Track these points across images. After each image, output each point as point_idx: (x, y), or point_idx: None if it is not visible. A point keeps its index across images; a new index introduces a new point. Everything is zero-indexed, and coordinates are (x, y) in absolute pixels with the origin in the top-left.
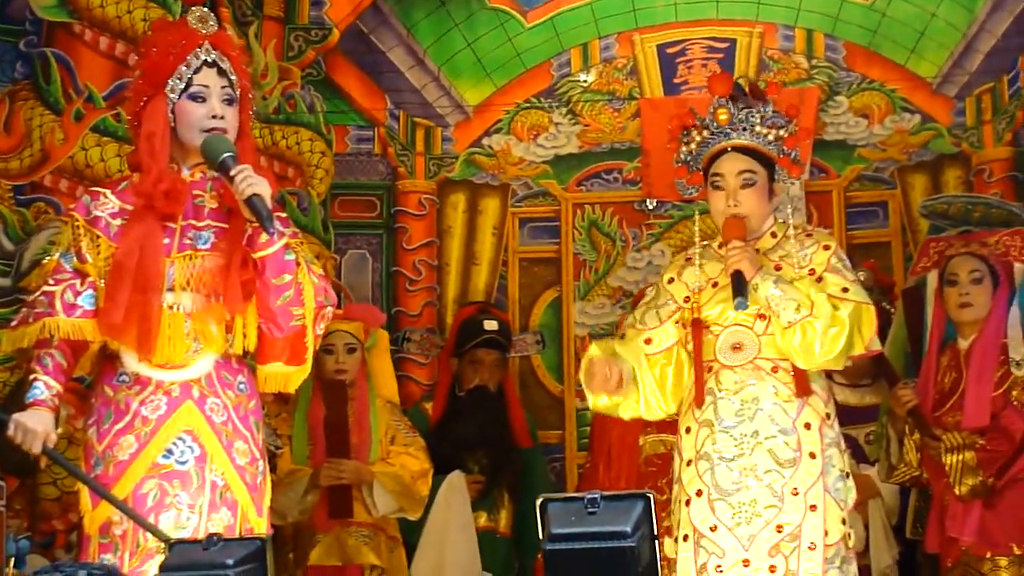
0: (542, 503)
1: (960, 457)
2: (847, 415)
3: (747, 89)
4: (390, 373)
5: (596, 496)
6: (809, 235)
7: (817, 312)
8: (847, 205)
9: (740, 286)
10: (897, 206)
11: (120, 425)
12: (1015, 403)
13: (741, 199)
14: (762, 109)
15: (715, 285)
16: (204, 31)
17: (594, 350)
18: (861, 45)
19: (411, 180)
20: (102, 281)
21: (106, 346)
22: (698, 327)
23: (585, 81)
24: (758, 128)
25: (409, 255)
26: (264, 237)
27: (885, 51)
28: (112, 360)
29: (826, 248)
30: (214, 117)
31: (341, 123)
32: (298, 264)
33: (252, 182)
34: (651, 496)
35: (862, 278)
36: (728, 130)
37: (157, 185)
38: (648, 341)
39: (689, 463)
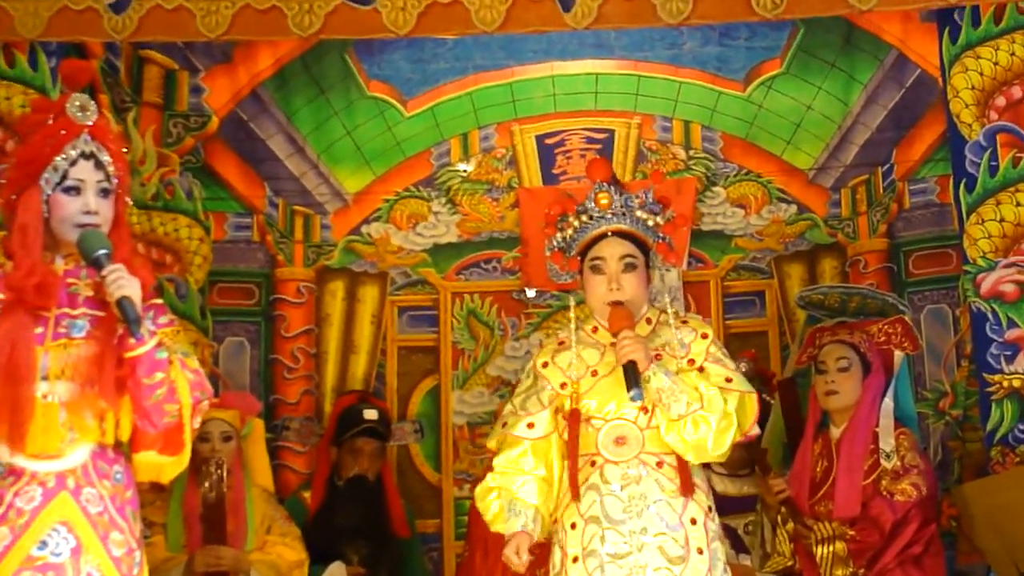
0: None
1: (830, 548)
2: (727, 505)
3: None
4: (265, 462)
5: None
6: (685, 322)
7: (709, 407)
8: (724, 295)
9: (634, 377)
10: (774, 295)
11: None
12: (884, 493)
13: (623, 283)
14: (641, 194)
15: (595, 374)
16: (83, 120)
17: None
18: (738, 136)
19: (289, 268)
20: None
21: None
22: (575, 418)
23: (465, 171)
24: (638, 213)
25: (287, 343)
26: (132, 340)
27: (762, 142)
28: None
29: (704, 337)
30: (88, 212)
31: (220, 210)
32: (170, 362)
33: (122, 284)
34: None
35: (743, 368)
36: (609, 215)
37: (28, 279)
38: (531, 426)
39: (576, 560)
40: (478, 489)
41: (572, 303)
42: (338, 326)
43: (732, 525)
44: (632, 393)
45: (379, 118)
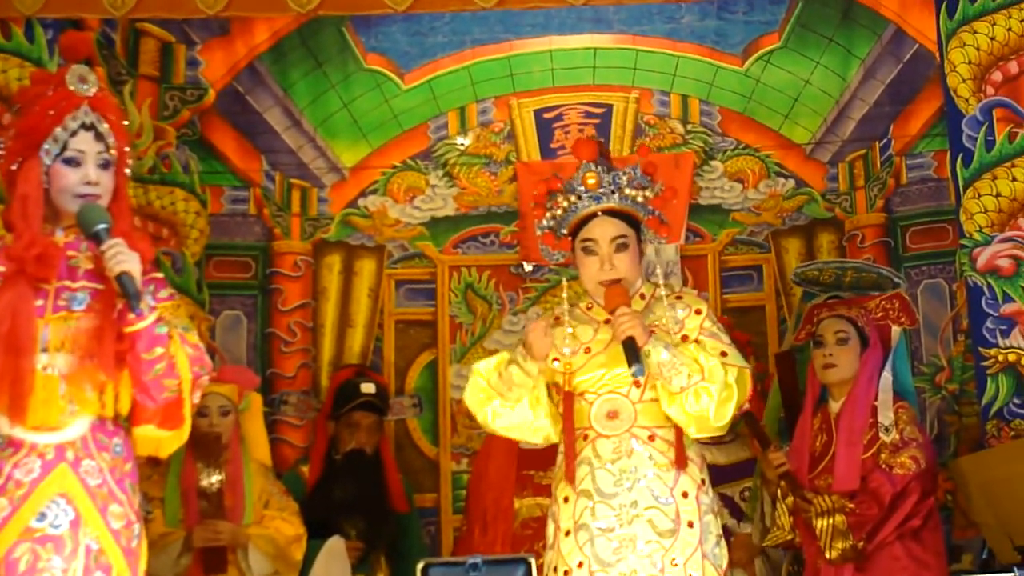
0: (424, 568)
1: (830, 521)
2: (720, 474)
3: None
4: (263, 436)
5: (477, 560)
6: (679, 298)
7: (710, 378)
8: (722, 269)
9: (634, 353)
10: (771, 270)
11: None
12: (883, 466)
13: (616, 263)
14: (629, 170)
15: (588, 351)
16: (83, 92)
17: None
18: (736, 111)
19: (286, 241)
20: None
21: None
22: (570, 399)
23: (462, 144)
24: (626, 190)
25: (284, 317)
26: (132, 315)
27: (759, 117)
28: None
29: (698, 312)
30: (88, 183)
31: (216, 183)
32: (170, 337)
33: (122, 259)
34: (531, 560)
35: None
36: (597, 194)
37: (28, 250)
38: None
39: (568, 533)
40: (467, 393)
41: (564, 281)
42: (335, 300)
43: (728, 494)
44: (633, 369)
45: (376, 91)
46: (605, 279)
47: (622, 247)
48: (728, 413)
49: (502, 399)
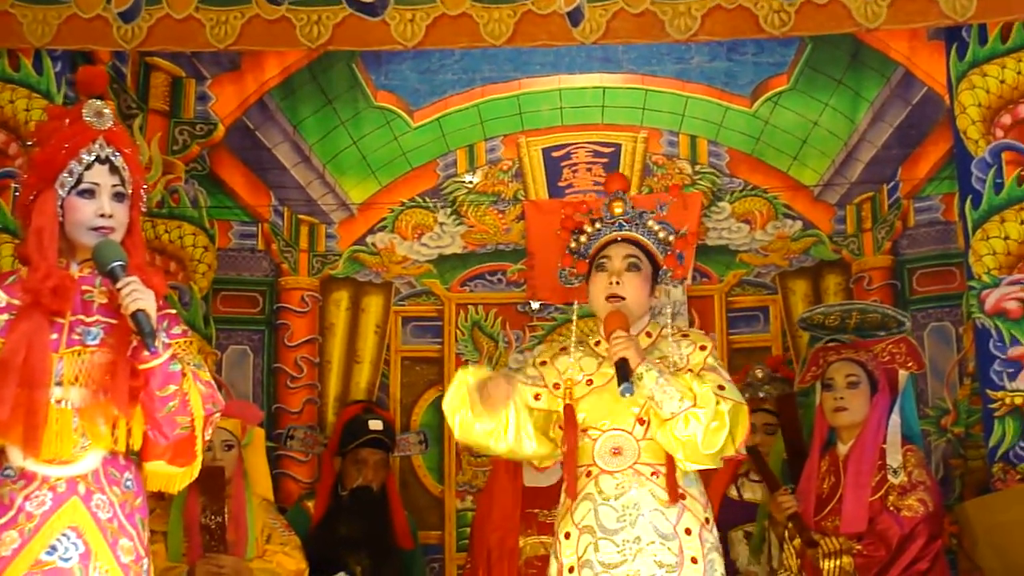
0: None
1: (837, 563)
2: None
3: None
4: (265, 471)
5: None
6: (685, 335)
7: (700, 402)
8: (728, 310)
9: (625, 373)
10: (778, 311)
11: (3, 520)
12: (891, 508)
13: (624, 280)
14: (657, 210)
15: (590, 383)
16: (98, 126)
17: (468, 374)
18: (744, 152)
19: (294, 277)
20: None
21: None
22: (571, 412)
23: (471, 182)
24: (649, 223)
25: (291, 352)
26: (147, 352)
27: (768, 158)
28: None
29: (702, 348)
30: (102, 216)
31: (225, 218)
32: (184, 374)
33: (137, 297)
34: None
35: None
36: (621, 221)
37: (44, 282)
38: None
39: (572, 570)
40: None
41: (575, 308)
42: (342, 336)
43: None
44: (622, 387)
45: (385, 128)
46: (611, 292)
47: (633, 267)
48: (718, 442)
49: (471, 411)
